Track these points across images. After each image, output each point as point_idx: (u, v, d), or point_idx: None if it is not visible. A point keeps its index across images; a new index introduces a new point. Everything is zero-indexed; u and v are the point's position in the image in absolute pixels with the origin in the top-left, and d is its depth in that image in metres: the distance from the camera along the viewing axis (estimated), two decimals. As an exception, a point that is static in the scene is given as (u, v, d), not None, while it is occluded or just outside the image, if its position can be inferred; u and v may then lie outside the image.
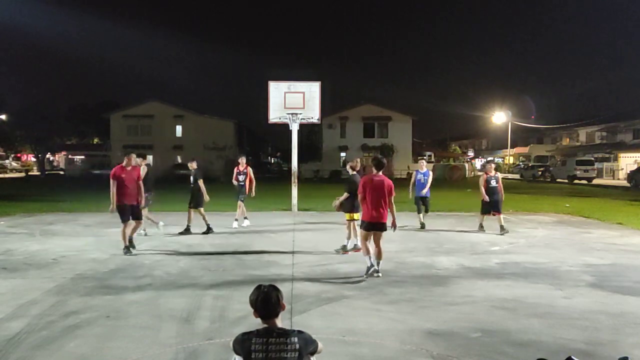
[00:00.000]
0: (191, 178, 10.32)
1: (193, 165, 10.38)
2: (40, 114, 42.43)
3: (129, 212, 8.21)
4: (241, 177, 11.30)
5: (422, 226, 11.23)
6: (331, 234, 10.24)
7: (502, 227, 10.43)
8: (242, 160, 11.43)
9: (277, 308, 2.63)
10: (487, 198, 10.57)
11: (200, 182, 10.12)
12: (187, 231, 10.19)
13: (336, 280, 6.54)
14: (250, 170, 11.44)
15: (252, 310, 2.66)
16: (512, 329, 4.73)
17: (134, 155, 8.60)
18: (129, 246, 8.25)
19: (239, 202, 11.31)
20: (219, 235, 10.27)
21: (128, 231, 8.24)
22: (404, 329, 4.71)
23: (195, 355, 4.09)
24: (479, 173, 55.47)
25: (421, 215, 11.41)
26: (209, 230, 10.26)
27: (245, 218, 11.55)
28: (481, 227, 10.87)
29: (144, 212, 9.42)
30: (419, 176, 11.51)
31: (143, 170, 9.43)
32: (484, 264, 7.63)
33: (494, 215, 10.63)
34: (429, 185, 11.39)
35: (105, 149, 50.23)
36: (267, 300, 2.62)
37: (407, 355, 4.14)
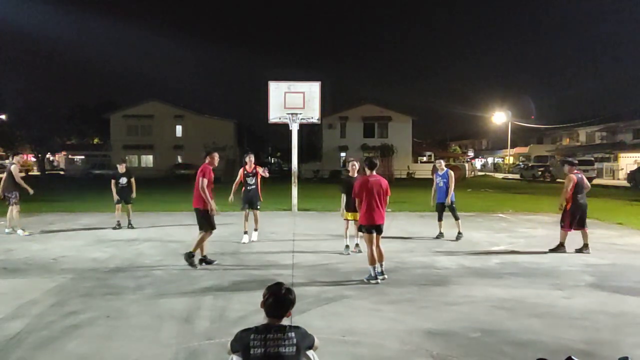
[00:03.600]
0: (124, 179, 11.30)
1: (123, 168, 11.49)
2: (40, 114, 42.38)
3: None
4: (250, 180, 9.37)
5: (440, 235, 9.98)
6: (331, 234, 10.25)
7: (586, 245, 8.49)
8: (250, 160, 9.44)
9: (284, 313, 2.75)
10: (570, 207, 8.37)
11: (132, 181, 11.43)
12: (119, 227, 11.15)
13: (336, 280, 6.55)
14: (260, 170, 9.55)
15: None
16: (512, 329, 4.73)
17: (217, 154, 7.69)
18: (207, 256, 7.46)
19: (256, 211, 9.50)
20: (219, 235, 10.24)
21: (207, 240, 7.54)
22: (404, 329, 4.71)
23: (195, 355, 4.09)
24: (479, 173, 55.71)
25: (441, 222, 10.01)
26: (119, 227, 11.11)
27: (245, 233, 9.55)
28: (562, 246, 8.51)
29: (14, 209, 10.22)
30: (437, 179, 9.94)
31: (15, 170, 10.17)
32: (484, 264, 7.64)
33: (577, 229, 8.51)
34: (451, 190, 9.71)
35: (105, 149, 50.24)
36: (279, 303, 2.73)
37: (407, 355, 4.14)
